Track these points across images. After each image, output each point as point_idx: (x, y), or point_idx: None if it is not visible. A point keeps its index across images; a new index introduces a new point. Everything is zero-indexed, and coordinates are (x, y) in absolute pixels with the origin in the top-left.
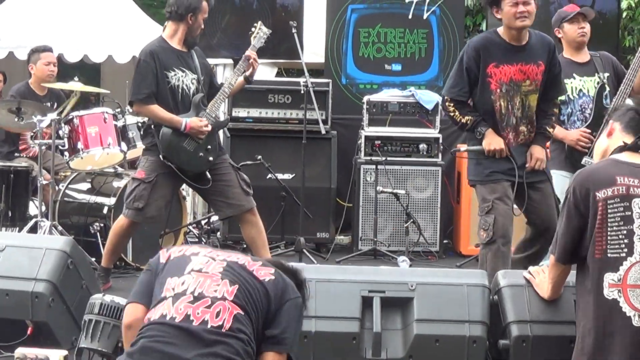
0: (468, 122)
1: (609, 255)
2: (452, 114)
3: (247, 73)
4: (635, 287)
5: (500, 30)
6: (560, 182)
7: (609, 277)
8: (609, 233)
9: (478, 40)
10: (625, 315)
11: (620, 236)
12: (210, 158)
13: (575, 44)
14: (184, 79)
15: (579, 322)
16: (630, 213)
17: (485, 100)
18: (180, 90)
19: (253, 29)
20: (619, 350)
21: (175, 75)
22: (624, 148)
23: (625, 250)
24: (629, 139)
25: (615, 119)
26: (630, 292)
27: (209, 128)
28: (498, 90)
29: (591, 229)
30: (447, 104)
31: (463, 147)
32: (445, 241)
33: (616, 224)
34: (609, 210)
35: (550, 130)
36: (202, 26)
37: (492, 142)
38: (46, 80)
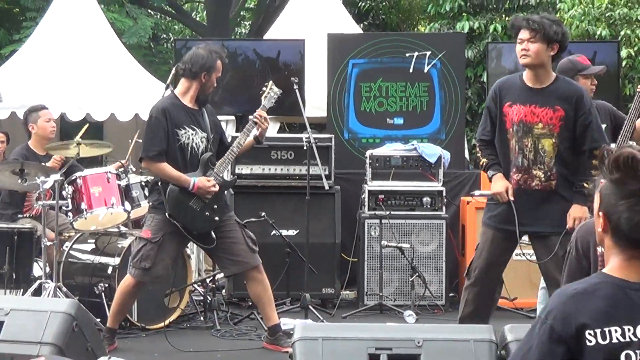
0: (484, 163)
1: None
2: (477, 154)
3: (257, 133)
4: None
5: (525, 72)
6: None
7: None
8: None
9: (501, 79)
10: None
11: None
12: (216, 218)
13: None
14: (194, 137)
15: None
16: None
17: (501, 139)
18: (189, 148)
19: (264, 88)
20: None
21: (185, 133)
22: None
23: None
24: None
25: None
26: None
27: (217, 188)
28: (511, 130)
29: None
30: (477, 144)
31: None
32: (451, 294)
33: None
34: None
35: (587, 185)
36: (215, 84)
37: (494, 186)
38: (48, 138)
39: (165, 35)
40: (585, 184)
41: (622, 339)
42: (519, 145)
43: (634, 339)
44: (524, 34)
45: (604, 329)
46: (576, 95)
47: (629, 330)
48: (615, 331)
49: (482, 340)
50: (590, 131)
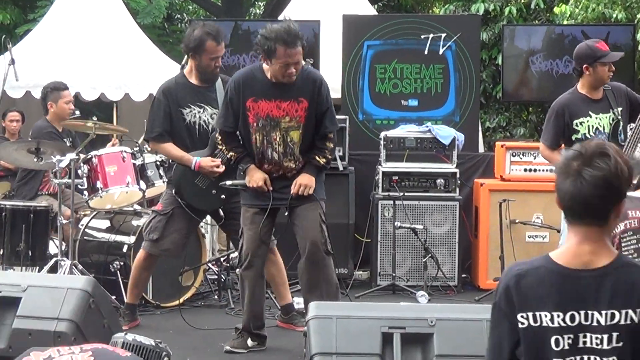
0: (232, 157)
1: None
2: (222, 147)
3: None
4: None
5: (265, 67)
6: None
7: None
8: None
9: (240, 73)
10: None
11: None
12: (223, 196)
13: (601, 84)
14: (202, 115)
15: None
16: None
17: (245, 133)
18: (197, 126)
19: None
20: None
21: (191, 111)
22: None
23: None
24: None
25: None
26: None
27: (221, 169)
28: (255, 124)
29: None
30: (219, 135)
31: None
32: (463, 275)
33: (630, 256)
34: (623, 244)
35: (320, 160)
36: (216, 64)
37: (254, 178)
38: (65, 118)
39: (179, 16)
40: (317, 157)
41: (550, 324)
42: (267, 139)
43: (563, 325)
44: (290, 59)
45: (535, 312)
46: (314, 82)
47: (558, 316)
48: (546, 316)
49: None
50: (325, 118)
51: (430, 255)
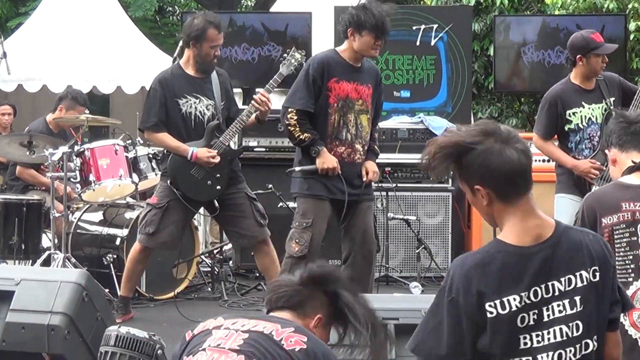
0: (306, 138)
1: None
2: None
3: (259, 115)
4: None
5: (340, 50)
6: (569, 205)
7: None
8: (615, 259)
9: (323, 55)
10: (632, 337)
11: (626, 261)
12: (218, 187)
13: (594, 75)
14: (198, 106)
15: None
16: (636, 238)
17: (323, 114)
18: (193, 117)
19: (285, 54)
20: None
21: (187, 102)
22: (633, 169)
23: (632, 275)
24: (637, 157)
25: (613, 146)
26: (635, 315)
27: (217, 159)
28: (335, 105)
29: None
30: (295, 116)
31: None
32: None
33: (622, 250)
34: (615, 237)
35: (377, 149)
36: (215, 53)
37: (327, 161)
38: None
39: (171, 8)
40: (375, 146)
41: (519, 305)
42: (344, 119)
43: (528, 302)
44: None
45: (502, 299)
46: (378, 72)
47: (525, 294)
48: (514, 299)
49: None
50: (380, 107)
51: (423, 246)
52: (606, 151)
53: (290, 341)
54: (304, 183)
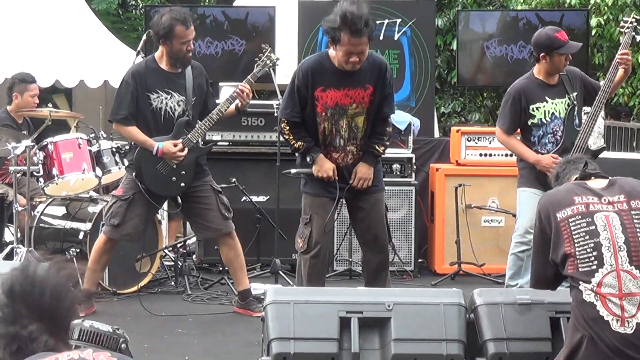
0: (300, 147)
1: (580, 269)
2: (288, 137)
3: (239, 105)
4: (610, 296)
5: (332, 53)
6: (532, 199)
7: (586, 287)
8: (577, 249)
9: (309, 63)
10: (603, 319)
11: (588, 250)
12: (182, 184)
13: (557, 72)
14: (168, 101)
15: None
16: (594, 227)
17: (313, 122)
18: (163, 112)
19: (260, 55)
20: (599, 355)
21: (158, 97)
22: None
23: (596, 262)
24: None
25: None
26: (606, 299)
27: (184, 153)
28: (323, 114)
29: (555, 248)
30: (286, 126)
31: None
32: (419, 260)
33: (582, 239)
34: (573, 228)
35: (380, 149)
36: (188, 48)
37: (324, 167)
38: (27, 111)
39: (134, 2)
40: (376, 146)
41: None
42: (336, 127)
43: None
44: (357, 43)
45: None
46: (383, 68)
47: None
48: None
49: (452, 304)
50: (386, 102)
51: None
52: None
53: None
54: (304, 181)
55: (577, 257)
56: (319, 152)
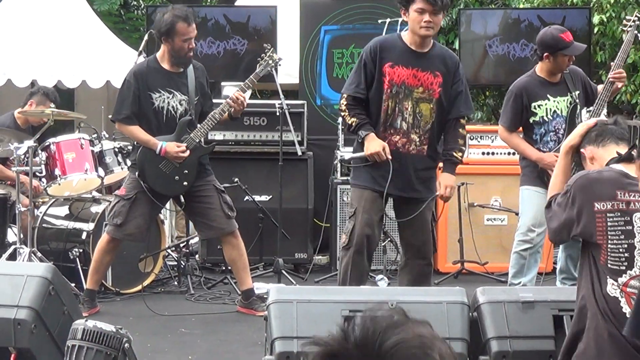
0: (354, 123)
1: (609, 265)
2: (344, 113)
3: (232, 112)
4: (634, 295)
5: (404, 34)
6: (535, 198)
7: (610, 281)
8: (609, 245)
9: (380, 39)
10: (626, 316)
11: (620, 249)
12: (185, 183)
13: (559, 71)
14: (171, 101)
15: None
16: (631, 227)
17: (377, 100)
18: (165, 111)
19: (263, 54)
20: (621, 349)
21: (160, 96)
22: (619, 160)
23: (626, 263)
24: (622, 149)
25: (588, 144)
26: (631, 298)
27: (186, 154)
28: (389, 91)
29: (582, 228)
30: (345, 101)
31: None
32: None
33: (617, 237)
34: (609, 223)
35: (458, 155)
36: (189, 46)
37: (370, 145)
38: (32, 121)
39: (135, 2)
40: (454, 153)
41: None
42: (399, 107)
43: None
44: (426, 6)
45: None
46: (452, 60)
47: None
48: None
49: (455, 303)
50: (460, 100)
51: (389, 239)
52: (582, 150)
53: None
54: (353, 172)
55: (609, 252)
56: (370, 130)
